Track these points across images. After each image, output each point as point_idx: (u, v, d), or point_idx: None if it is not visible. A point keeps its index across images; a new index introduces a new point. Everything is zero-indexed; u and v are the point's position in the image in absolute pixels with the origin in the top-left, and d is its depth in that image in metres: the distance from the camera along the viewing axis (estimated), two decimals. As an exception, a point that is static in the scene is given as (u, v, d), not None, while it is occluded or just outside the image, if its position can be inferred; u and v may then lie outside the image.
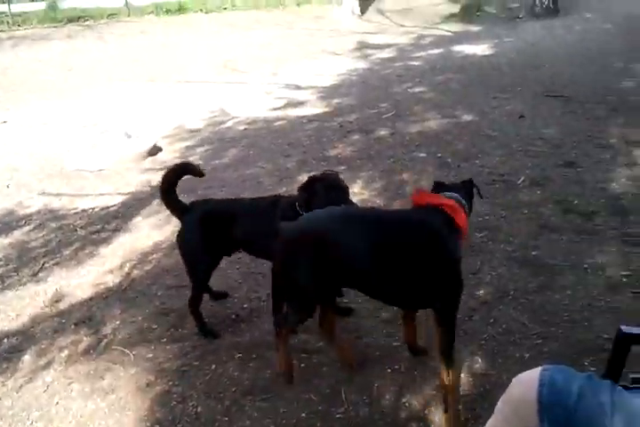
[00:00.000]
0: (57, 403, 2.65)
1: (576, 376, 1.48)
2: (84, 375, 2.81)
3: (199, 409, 2.54)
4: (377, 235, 2.27)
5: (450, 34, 11.92)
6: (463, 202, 2.41)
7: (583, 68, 7.89)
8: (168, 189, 2.94)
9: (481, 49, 9.75)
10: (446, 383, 2.32)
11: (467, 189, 2.52)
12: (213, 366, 2.78)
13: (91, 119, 7.16)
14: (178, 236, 3.00)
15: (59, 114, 7.58)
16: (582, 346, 2.69)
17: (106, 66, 10.35)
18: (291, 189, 4.67)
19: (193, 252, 2.95)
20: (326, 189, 2.68)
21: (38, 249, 4.08)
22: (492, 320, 2.93)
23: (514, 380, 1.58)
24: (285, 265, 2.37)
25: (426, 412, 2.42)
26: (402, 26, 13.38)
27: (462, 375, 2.59)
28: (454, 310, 2.31)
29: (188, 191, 4.38)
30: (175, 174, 2.95)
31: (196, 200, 3.12)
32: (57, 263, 3.87)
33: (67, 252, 4.01)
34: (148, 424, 2.49)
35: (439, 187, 2.50)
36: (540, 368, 1.52)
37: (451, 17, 14.51)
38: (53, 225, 4.43)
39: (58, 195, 4.99)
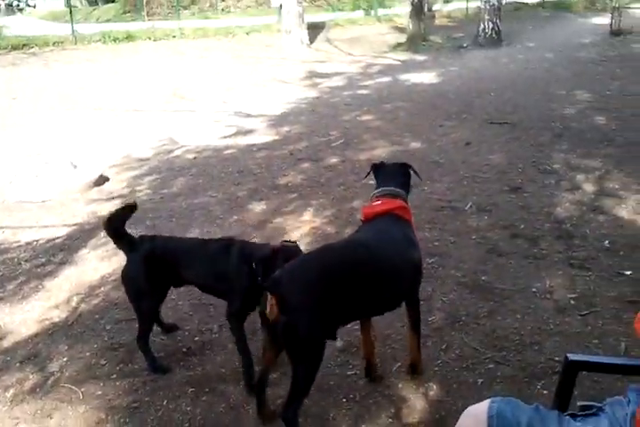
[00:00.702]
0: (1, 446, 2.54)
1: (524, 408, 1.51)
2: (31, 415, 2.70)
3: (151, 447, 2.47)
4: (370, 265, 2.41)
5: (397, 63, 12.19)
6: (402, 193, 2.69)
7: (527, 96, 8.15)
8: (115, 227, 2.88)
9: (427, 77, 9.99)
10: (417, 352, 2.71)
11: (403, 171, 2.80)
12: (165, 402, 2.71)
13: (34, 149, 6.99)
14: (123, 271, 2.94)
15: (1, 143, 7.39)
16: (534, 369, 2.73)
17: (51, 94, 10.17)
18: (241, 217, 4.66)
19: (137, 288, 2.88)
20: (286, 262, 2.56)
21: (-20, 284, 3.93)
22: (444, 346, 2.95)
23: (464, 413, 1.60)
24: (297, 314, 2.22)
25: (382, 441, 2.41)
26: (350, 55, 13.63)
27: (418, 402, 2.59)
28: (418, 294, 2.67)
29: (135, 221, 4.30)
30: (123, 216, 2.91)
31: (144, 235, 3.05)
32: (0, 299, 3.74)
33: (10, 286, 3.87)
34: (97, 465, 2.40)
35: (378, 169, 2.79)
36: (488, 401, 1.54)
37: (397, 46, 14.88)
38: (-4, 259, 4.29)
39: (0, 228, 4.84)
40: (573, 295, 3.30)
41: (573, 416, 1.52)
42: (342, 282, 2.28)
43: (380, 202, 2.63)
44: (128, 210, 2.93)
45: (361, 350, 2.84)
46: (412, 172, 2.83)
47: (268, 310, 2.21)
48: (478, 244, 3.94)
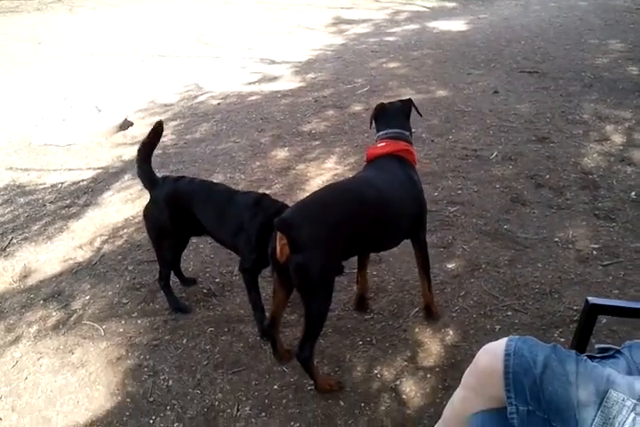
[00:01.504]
0: (26, 378, 2.63)
1: (541, 346, 1.50)
2: (54, 350, 2.79)
3: (170, 383, 2.53)
4: (376, 202, 2.43)
5: (425, 10, 11.80)
6: (407, 135, 2.71)
7: (557, 45, 7.88)
8: (146, 157, 2.84)
9: (456, 25, 9.68)
10: (427, 292, 2.74)
11: (405, 110, 2.79)
12: (185, 340, 2.77)
13: (60, 93, 6.99)
14: (144, 209, 2.92)
15: (27, 88, 7.40)
16: (552, 318, 2.72)
17: (76, 39, 10.09)
18: (264, 163, 4.64)
19: (157, 227, 2.88)
20: None
21: (6, 224, 4.00)
22: (463, 293, 2.95)
23: (480, 350, 1.59)
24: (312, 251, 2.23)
25: (397, 383, 2.44)
26: (377, 1, 13.22)
27: (434, 347, 2.61)
28: (425, 233, 2.70)
29: (159, 166, 4.32)
30: (156, 134, 2.84)
31: (169, 175, 3.02)
32: (25, 239, 3.81)
33: (35, 227, 3.94)
34: (119, 398, 2.48)
35: (382, 112, 2.75)
36: (506, 339, 1.53)
37: (427, -8, 14.40)
38: (21, 200, 4.35)
39: (26, 170, 4.88)
40: (596, 246, 3.26)
41: (591, 358, 1.51)
42: (350, 219, 2.30)
43: (384, 144, 2.63)
44: (158, 130, 2.83)
45: (357, 288, 2.92)
46: (413, 108, 2.83)
47: (278, 250, 2.21)
48: (502, 193, 3.88)
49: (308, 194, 3.84)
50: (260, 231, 2.57)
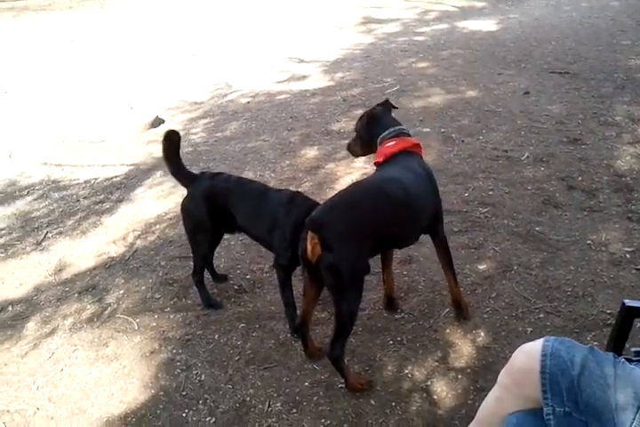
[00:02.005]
0: (62, 369, 2.68)
1: (579, 347, 1.49)
2: (89, 343, 2.84)
3: (203, 377, 2.57)
4: (403, 199, 2.44)
5: (455, 9, 11.73)
6: (406, 130, 2.77)
7: (589, 45, 7.79)
8: (172, 155, 2.91)
9: (486, 25, 9.61)
10: (454, 288, 2.78)
11: (389, 109, 2.90)
12: (216, 336, 2.81)
13: (93, 90, 7.09)
14: (182, 203, 2.96)
15: (60, 85, 7.51)
16: (585, 321, 2.70)
17: (107, 37, 10.22)
18: (293, 162, 4.66)
19: (195, 223, 2.92)
20: None
21: (41, 219, 4.08)
22: (494, 294, 2.94)
23: (517, 350, 1.59)
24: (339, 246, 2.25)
25: (428, 383, 2.44)
26: (406, 0, 13.18)
27: (465, 348, 2.61)
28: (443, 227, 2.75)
29: (190, 163, 4.35)
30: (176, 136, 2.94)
31: (206, 171, 3.08)
32: (60, 233, 3.88)
33: (70, 222, 4.01)
34: (152, 392, 2.52)
35: (373, 117, 2.81)
36: (542, 339, 1.53)
37: (456, -8, 14.31)
38: (56, 195, 4.43)
39: (60, 165, 4.97)
40: (630, 249, 3.23)
41: (628, 361, 1.51)
42: (378, 217, 2.33)
43: (393, 142, 2.66)
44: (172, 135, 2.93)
45: (384, 288, 2.93)
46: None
47: (309, 249, 2.22)
48: (533, 194, 3.86)
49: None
50: (294, 228, 2.59)
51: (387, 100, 2.93)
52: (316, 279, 2.36)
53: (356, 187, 2.58)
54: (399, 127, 2.75)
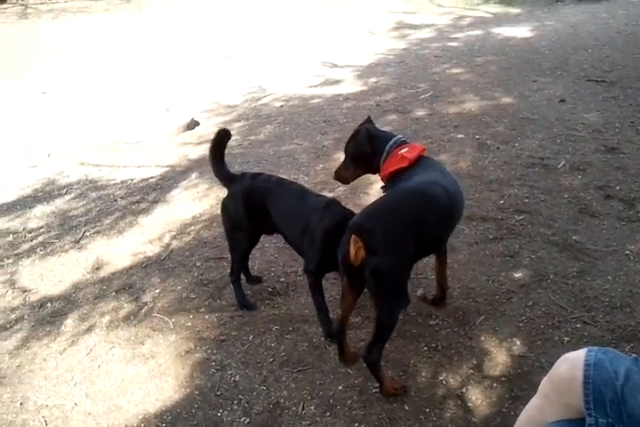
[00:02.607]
0: (99, 366, 2.72)
1: (623, 358, 1.48)
2: (125, 341, 2.88)
3: (237, 378, 2.59)
4: (444, 203, 2.46)
5: (489, 15, 11.68)
6: (404, 138, 2.78)
7: (626, 53, 7.69)
8: (217, 154, 2.95)
9: (521, 31, 9.55)
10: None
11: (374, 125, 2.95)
12: (251, 337, 2.83)
13: (129, 92, 7.20)
14: (222, 202, 3.00)
15: (97, 86, 7.64)
16: (623, 332, 2.66)
17: (143, 40, 10.37)
18: (327, 166, 4.67)
19: (234, 222, 2.95)
20: None
21: (79, 218, 4.16)
22: (530, 303, 2.91)
23: (560, 359, 1.58)
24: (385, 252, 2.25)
25: (462, 390, 2.43)
26: (440, 6, 13.15)
27: (500, 356, 2.59)
28: None
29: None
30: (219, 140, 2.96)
31: (247, 171, 3.11)
32: (97, 232, 3.94)
33: (107, 221, 4.08)
34: (187, 391, 2.54)
35: (371, 132, 2.78)
36: (585, 349, 1.52)
37: (490, -2, 14.24)
38: (93, 195, 4.51)
39: (97, 165, 5.05)
40: (669, 260, 3.18)
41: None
42: (424, 221, 2.34)
43: (406, 149, 2.66)
44: (224, 134, 2.96)
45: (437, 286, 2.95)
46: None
47: (352, 253, 2.23)
48: (570, 203, 3.82)
49: (370, 198, 3.89)
50: (324, 235, 2.60)
51: (368, 118, 2.99)
52: (355, 284, 2.37)
53: (398, 192, 2.55)
54: (399, 136, 2.76)
